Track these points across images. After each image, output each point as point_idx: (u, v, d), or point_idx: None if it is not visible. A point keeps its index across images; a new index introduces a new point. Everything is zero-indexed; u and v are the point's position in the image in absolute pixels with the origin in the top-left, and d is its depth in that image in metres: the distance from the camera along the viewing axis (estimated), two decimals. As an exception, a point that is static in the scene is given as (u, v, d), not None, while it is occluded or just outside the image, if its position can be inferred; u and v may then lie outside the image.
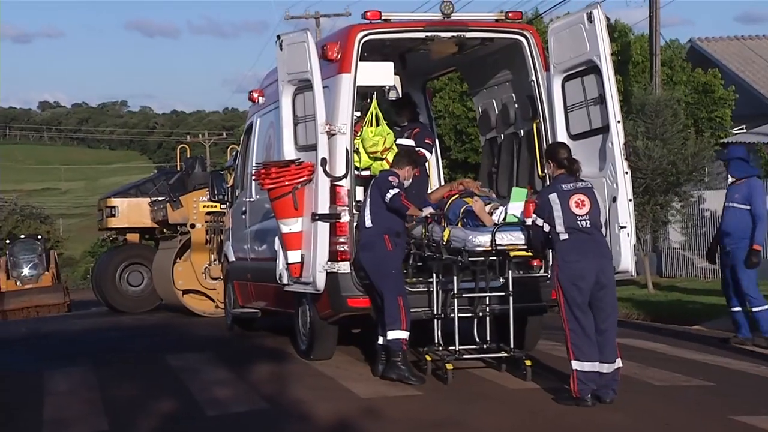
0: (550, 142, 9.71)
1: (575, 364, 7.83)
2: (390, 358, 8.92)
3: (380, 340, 9.11)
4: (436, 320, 9.16)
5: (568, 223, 7.88)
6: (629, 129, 17.39)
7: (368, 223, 9.12)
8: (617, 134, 9.18)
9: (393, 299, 8.89)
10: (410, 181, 9.41)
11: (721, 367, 9.68)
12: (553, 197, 7.95)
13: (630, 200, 9.21)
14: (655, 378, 9.01)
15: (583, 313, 7.84)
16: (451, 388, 8.56)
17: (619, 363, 7.94)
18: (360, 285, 9.38)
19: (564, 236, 7.90)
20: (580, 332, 7.83)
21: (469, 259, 8.84)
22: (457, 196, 9.91)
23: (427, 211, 9.20)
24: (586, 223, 7.88)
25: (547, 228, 7.99)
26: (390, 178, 9.14)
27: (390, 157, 10.13)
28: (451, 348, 9.01)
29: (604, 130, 9.30)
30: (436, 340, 9.17)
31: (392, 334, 8.86)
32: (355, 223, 9.47)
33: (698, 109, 25.24)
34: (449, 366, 8.73)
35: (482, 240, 8.79)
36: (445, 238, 8.91)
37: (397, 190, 9.01)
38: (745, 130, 26.92)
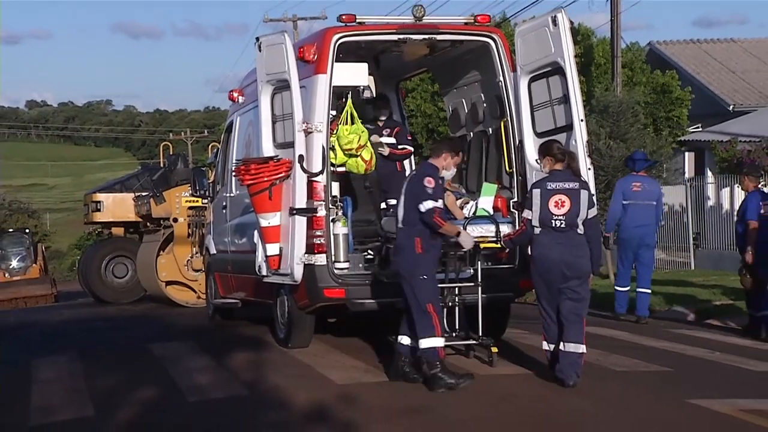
0: (517, 139, 9.97)
1: (545, 345, 8.48)
2: (429, 370, 8.23)
3: (403, 340, 8.53)
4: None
5: (543, 219, 8.28)
6: (593, 129, 18.04)
7: (400, 223, 8.43)
8: (580, 132, 9.42)
9: (422, 307, 8.23)
10: (453, 171, 8.65)
11: (678, 353, 9.97)
12: (536, 192, 8.34)
13: (592, 195, 9.55)
14: (617, 364, 9.29)
15: (548, 303, 8.37)
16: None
17: (583, 349, 8.26)
18: (336, 277, 9.58)
19: (537, 230, 8.34)
20: (548, 318, 8.40)
21: (441, 250, 9.13)
22: (429, 191, 10.10)
23: (459, 231, 8.57)
24: (561, 223, 8.24)
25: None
26: (426, 181, 8.21)
27: (364, 154, 10.37)
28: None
29: (568, 128, 9.55)
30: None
31: (425, 343, 8.22)
32: (331, 218, 9.68)
33: (657, 109, 26.00)
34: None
35: (454, 232, 9.04)
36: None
37: (431, 204, 8.13)
38: (700, 129, 27.50)
